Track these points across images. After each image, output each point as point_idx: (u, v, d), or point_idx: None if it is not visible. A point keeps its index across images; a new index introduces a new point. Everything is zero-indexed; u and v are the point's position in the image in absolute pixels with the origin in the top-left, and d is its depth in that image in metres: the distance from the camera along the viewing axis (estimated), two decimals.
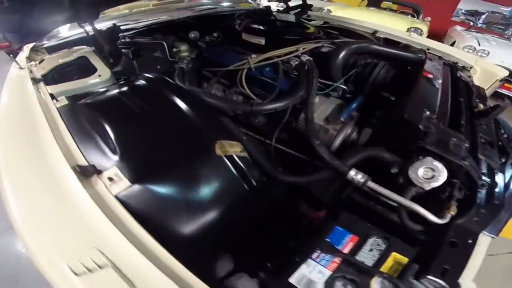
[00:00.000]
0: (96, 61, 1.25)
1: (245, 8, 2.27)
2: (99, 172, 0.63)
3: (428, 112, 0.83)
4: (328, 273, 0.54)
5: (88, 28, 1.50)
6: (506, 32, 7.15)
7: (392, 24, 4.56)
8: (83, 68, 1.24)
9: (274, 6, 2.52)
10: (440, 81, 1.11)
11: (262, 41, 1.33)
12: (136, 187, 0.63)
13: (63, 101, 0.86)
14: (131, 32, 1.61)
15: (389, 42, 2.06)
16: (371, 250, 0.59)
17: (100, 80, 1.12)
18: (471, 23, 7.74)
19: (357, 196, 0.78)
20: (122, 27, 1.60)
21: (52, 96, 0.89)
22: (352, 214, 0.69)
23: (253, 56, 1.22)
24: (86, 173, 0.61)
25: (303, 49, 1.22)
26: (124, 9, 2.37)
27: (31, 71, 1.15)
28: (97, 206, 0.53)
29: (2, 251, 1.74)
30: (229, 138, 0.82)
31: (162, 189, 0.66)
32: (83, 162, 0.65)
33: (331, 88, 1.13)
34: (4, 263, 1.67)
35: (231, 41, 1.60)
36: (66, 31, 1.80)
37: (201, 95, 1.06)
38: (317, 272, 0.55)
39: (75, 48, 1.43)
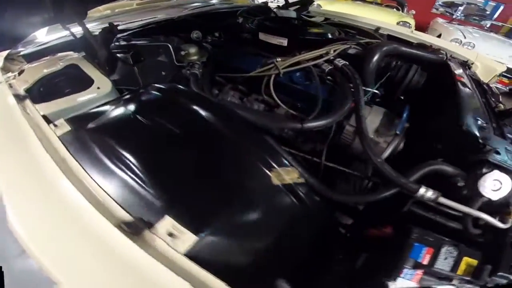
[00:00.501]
0: (90, 70, 1.06)
1: (243, 5, 2.10)
2: (150, 225, 0.50)
3: (480, 121, 0.83)
4: (413, 285, 0.61)
5: (75, 30, 1.30)
6: (482, 23, 7.45)
7: (381, 18, 4.55)
8: (74, 79, 1.05)
9: (270, 3, 2.38)
10: (469, 84, 1.07)
11: (284, 42, 1.19)
12: (203, 238, 0.53)
13: (63, 126, 0.67)
14: (124, 33, 1.41)
15: (392, 39, 2.02)
16: (445, 258, 0.65)
17: (100, 94, 0.94)
18: (452, 15, 8.01)
19: (418, 209, 0.79)
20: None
21: (46, 119, 0.70)
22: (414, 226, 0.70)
23: (278, 59, 1.09)
24: (136, 230, 0.48)
25: (334, 51, 1.11)
26: (104, 10, 2.14)
27: (10, 85, 0.94)
28: (169, 270, 0.43)
29: None
30: (279, 162, 0.72)
31: (226, 233, 0.59)
32: (127, 217, 0.50)
33: (369, 94, 1.03)
34: None
35: (240, 41, 1.45)
36: (44, 35, 1.57)
37: (239, 111, 0.91)
38: (400, 282, 0.61)
39: (59, 55, 1.22)
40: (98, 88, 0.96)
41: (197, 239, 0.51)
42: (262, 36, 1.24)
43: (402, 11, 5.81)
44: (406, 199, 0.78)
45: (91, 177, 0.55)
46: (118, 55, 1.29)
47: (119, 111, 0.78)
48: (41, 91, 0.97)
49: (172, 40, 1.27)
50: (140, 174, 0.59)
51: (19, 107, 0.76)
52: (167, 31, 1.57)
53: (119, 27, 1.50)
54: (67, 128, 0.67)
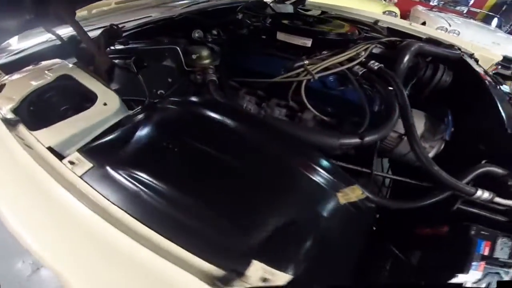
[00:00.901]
0: (88, 81, 0.90)
1: (239, 0, 1.96)
2: (240, 274, 0.44)
3: None
4: (479, 274, 0.69)
5: (61, 32, 1.12)
6: (457, 9, 7.69)
7: (368, 8, 4.55)
8: (71, 94, 0.88)
9: None
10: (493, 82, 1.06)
11: (308, 43, 1.08)
12: (295, 274, 0.48)
13: (82, 162, 0.52)
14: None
15: (392, 31, 1.98)
16: (502, 248, 0.72)
17: (109, 112, 0.78)
18: (429, 2, 8.20)
19: (466, 207, 0.83)
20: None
21: (55, 153, 0.56)
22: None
23: (306, 62, 0.99)
24: (229, 282, 0.43)
25: (364, 52, 1.03)
26: (79, 12, 1.90)
27: None
28: None
29: None
30: (344, 181, 0.69)
31: (311, 264, 0.54)
32: (214, 270, 0.43)
33: None
34: None
35: (249, 41, 1.33)
36: (15, 43, 1.36)
37: (286, 127, 0.80)
38: (471, 275, 0.70)
39: (44, 63, 1.04)
40: (105, 104, 0.79)
41: (291, 277, 0.47)
42: (281, 36, 1.12)
43: (385, 0, 5.86)
44: (454, 198, 0.82)
45: (149, 227, 0.45)
46: (116, 61, 1.13)
47: (144, 135, 0.65)
48: (32, 111, 0.81)
49: (179, 42, 1.12)
50: (201, 213, 0.50)
51: (13, 136, 0.61)
52: (165, 31, 1.42)
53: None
54: (87, 164, 0.53)
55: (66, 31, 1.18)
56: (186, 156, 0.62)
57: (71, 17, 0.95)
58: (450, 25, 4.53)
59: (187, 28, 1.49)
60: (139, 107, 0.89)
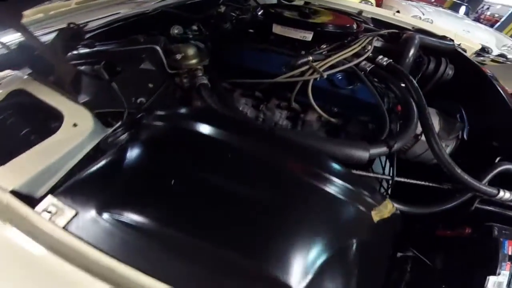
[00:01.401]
0: (49, 96, 0.73)
1: None
2: None
3: None
4: (507, 273, 0.69)
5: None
6: None
7: None
8: (29, 114, 0.71)
9: None
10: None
11: (308, 36, 0.97)
12: None
13: (59, 209, 0.38)
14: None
15: (376, 22, 1.94)
16: None
17: (82, 135, 0.62)
18: None
19: (484, 206, 0.82)
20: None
21: (22, 198, 0.41)
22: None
23: (309, 57, 0.88)
24: None
25: (369, 45, 0.94)
26: (33, 14, 1.63)
27: None
28: None
29: None
30: (377, 199, 0.63)
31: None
32: None
33: None
34: None
35: (238, 35, 1.20)
36: None
37: (300, 138, 0.69)
38: (501, 276, 0.70)
39: None
40: (75, 125, 0.63)
41: None
42: (278, 29, 0.99)
43: None
44: (472, 198, 0.80)
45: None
46: (82, 67, 0.95)
47: (130, 163, 0.51)
48: None
49: (158, 40, 0.95)
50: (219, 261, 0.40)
51: None
52: (138, 29, 1.24)
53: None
54: (69, 211, 0.39)
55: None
56: (187, 189, 0.50)
57: (15, 20, 0.75)
58: (423, 14, 4.65)
59: (163, 24, 1.32)
60: (118, 123, 0.74)
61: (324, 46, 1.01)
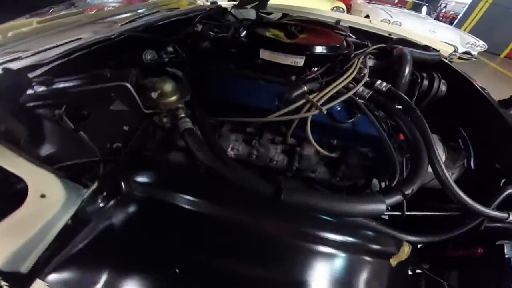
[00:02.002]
0: (3, 158, 0.57)
1: (193, 9, 1.69)
2: None
3: None
4: None
5: None
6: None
7: (318, 6, 4.61)
8: None
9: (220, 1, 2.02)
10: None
11: (300, 61, 0.87)
12: None
13: None
14: (37, 72, 0.88)
15: (354, 30, 1.94)
16: None
17: (53, 208, 0.52)
18: None
19: (493, 224, 0.81)
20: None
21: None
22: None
23: (305, 88, 0.79)
24: None
25: (364, 68, 0.87)
26: None
27: None
28: None
29: None
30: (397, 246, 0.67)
31: None
32: None
33: None
34: None
35: (219, 59, 1.09)
36: None
37: (321, 204, 0.59)
38: None
39: None
40: (43, 196, 0.51)
41: None
42: (266, 55, 0.89)
43: None
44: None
45: None
46: (39, 110, 0.79)
47: (121, 237, 0.50)
48: None
49: (127, 73, 0.79)
50: None
51: None
52: (105, 57, 1.09)
53: (24, 59, 0.95)
54: None
55: None
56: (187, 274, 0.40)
57: None
58: (391, 17, 4.82)
59: (134, 49, 1.17)
60: (95, 185, 0.63)
61: (316, 69, 0.94)
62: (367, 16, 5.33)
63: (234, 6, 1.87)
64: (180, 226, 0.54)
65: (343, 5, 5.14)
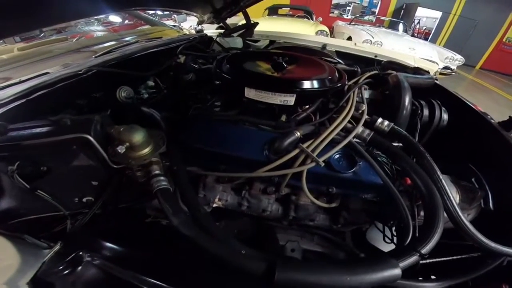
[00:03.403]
0: None
1: (175, 39, 1.62)
2: None
3: None
4: None
5: None
6: (365, 19, 8.71)
7: (302, 30, 4.73)
8: None
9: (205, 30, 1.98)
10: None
11: (291, 100, 0.78)
12: None
13: None
14: None
15: (340, 54, 1.93)
16: None
17: (8, 273, 0.48)
18: (345, 16, 9.14)
19: None
20: None
21: None
22: None
23: (297, 134, 0.71)
24: None
25: (362, 104, 0.80)
26: None
27: None
28: None
29: None
30: None
31: None
32: None
33: None
34: None
35: (201, 96, 1.00)
36: None
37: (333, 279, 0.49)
38: None
39: None
40: None
41: None
42: (251, 94, 0.79)
43: (312, 19, 6.25)
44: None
45: None
46: None
47: None
48: None
49: (90, 121, 0.66)
50: None
51: None
52: (73, 94, 0.97)
53: None
54: None
55: None
56: None
57: None
58: (373, 37, 4.98)
59: (107, 85, 1.06)
60: (56, 247, 0.56)
61: (307, 107, 0.86)
62: (349, 38, 5.48)
63: (219, 35, 1.83)
64: None
65: (326, 29, 5.27)
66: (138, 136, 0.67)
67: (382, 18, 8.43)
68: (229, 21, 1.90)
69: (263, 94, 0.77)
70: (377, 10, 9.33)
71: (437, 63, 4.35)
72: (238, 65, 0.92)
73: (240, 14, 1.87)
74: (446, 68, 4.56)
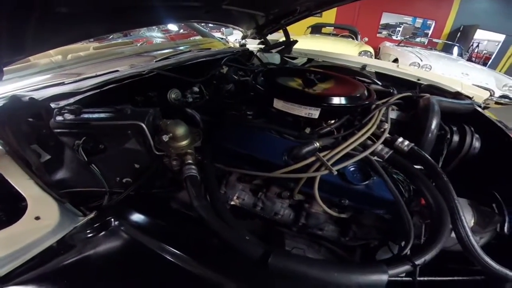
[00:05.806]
0: (16, 177, 0.68)
1: (221, 51, 1.80)
2: None
3: None
4: None
5: None
6: (417, 40, 8.23)
7: (344, 50, 4.72)
8: None
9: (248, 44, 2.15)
10: None
11: (315, 113, 0.85)
12: None
13: None
14: (71, 101, 0.94)
15: (380, 76, 1.89)
16: None
17: (41, 231, 0.58)
18: (394, 37, 8.76)
19: None
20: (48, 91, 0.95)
21: None
22: None
23: (316, 144, 0.77)
24: None
25: (385, 123, 0.83)
26: (56, 54, 1.62)
27: None
28: None
29: None
30: None
31: None
32: None
33: None
34: None
35: (236, 105, 1.11)
36: None
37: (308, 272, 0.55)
38: None
39: None
40: (37, 218, 0.59)
41: None
42: (279, 105, 0.88)
43: (356, 39, 6.18)
44: None
45: None
46: (64, 138, 0.84)
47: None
48: None
49: (145, 113, 0.83)
50: None
51: None
52: (134, 91, 1.16)
53: (66, 85, 1.03)
54: None
55: None
56: None
57: None
58: (421, 60, 4.73)
59: (161, 87, 1.25)
60: (91, 215, 0.67)
61: (332, 122, 0.91)
62: (395, 60, 5.28)
63: (260, 50, 1.98)
64: (158, 275, 0.56)
65: (371, 49, 5.20)
66: (180, 129, 0.81)
67: (435, 40, 7.88)
68: (270, 37, 2.03)
69: (289, 105, 0.86)
70: (430, 32, 8.80)
71: (492, 91, 3.96)
72: (271, 78, 1.02)
73: (281, 31, 1.99)
74: (503, 97, 4.12)
